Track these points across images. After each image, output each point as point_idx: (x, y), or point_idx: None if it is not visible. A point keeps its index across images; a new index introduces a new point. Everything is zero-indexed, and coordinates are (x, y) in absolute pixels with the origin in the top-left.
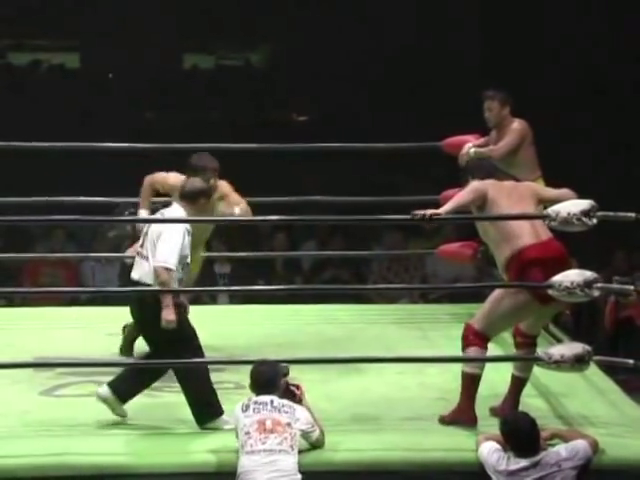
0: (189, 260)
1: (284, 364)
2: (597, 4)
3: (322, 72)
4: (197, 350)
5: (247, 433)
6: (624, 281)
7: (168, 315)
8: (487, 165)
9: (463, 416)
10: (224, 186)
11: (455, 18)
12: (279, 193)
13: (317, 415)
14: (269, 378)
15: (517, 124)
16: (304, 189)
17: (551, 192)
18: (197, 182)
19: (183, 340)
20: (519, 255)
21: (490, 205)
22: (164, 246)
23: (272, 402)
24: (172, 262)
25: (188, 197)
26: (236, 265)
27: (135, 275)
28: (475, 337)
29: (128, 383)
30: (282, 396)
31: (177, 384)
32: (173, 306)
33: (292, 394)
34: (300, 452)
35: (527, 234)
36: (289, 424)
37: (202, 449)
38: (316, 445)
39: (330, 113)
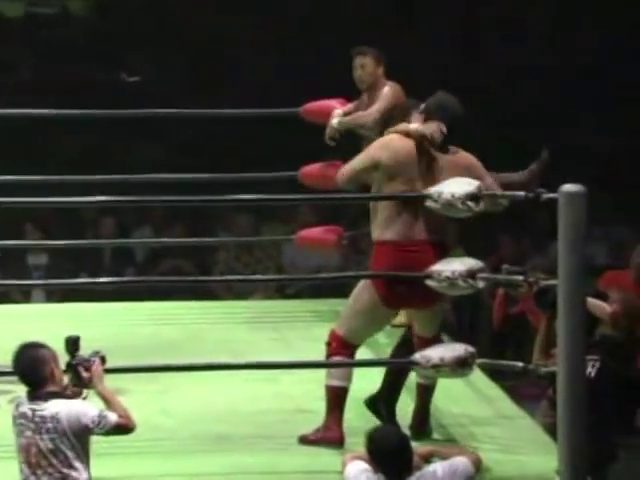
0: None
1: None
2: None
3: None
4: None
5: (22, 462)
6: (514, 271)
7: None
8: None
9: (328, 434)
10: None
11: None
12: (106, 169)
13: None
14: (32, 367)
15: (390, 88)
16: (136, 164)
17: (489, 178)
18: None
19: None
20: (374, 248)
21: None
22: None
23: (34, 413)
24: None
25: None
26: (54, 255)
27: None
28: (338, 345)
29: None
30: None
31: None
32: None
33: (78, 377)
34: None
35: (399, 225)
36: (54, 451)
37: None
38: (120, 432)
39: (170, 73)
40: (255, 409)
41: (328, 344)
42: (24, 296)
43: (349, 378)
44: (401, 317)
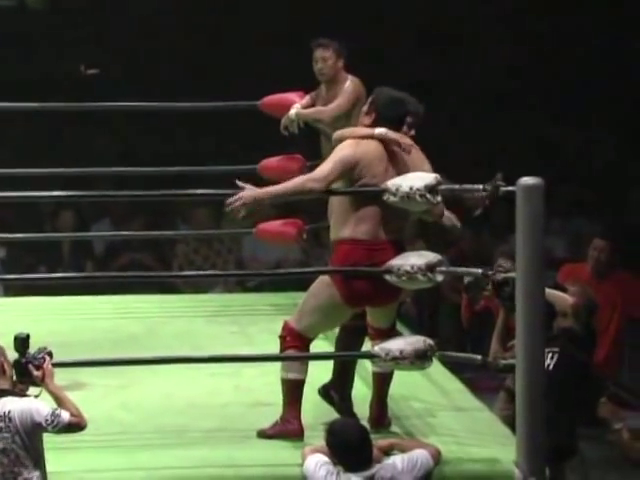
0: None
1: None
2: None
3: (122, 15)
4: None
5: None
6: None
7: None
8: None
9: (287, 427)
10: None
11: None
12: (65, 162)
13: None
14: None
15: (351, 83)
16: (95, 157)
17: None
18: None
19: None
20: (337, 246)
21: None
22: None
23: None
24: None
25: None
26: (12, 249)
27: None
28: (293, 338)
29: None
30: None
31: None
32: None
33: (29, 375)
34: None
35: (362, 224)
36: (5, 450)
37: None
38: (72, 430)
39: (130, 65)
40: (215, 402)
41: (282, 337)
42: None
43: (305, 370)
44: None
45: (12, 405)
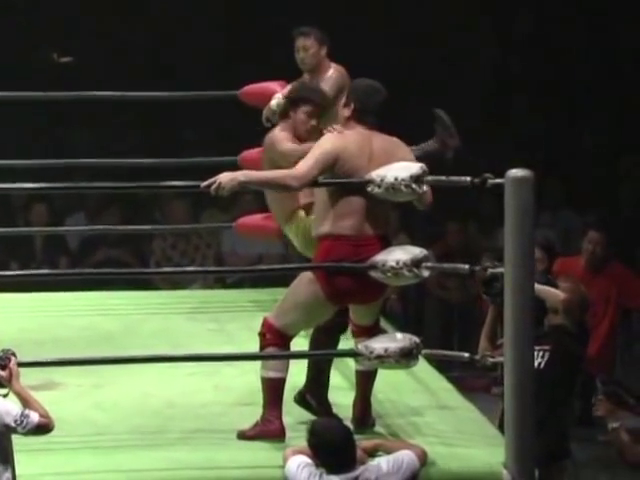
0: None
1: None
2: None
3: None
4: None
5: None
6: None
7: None
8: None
9: (268, 427)
10: None
11: None
12: (37, 154)
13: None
14: None
15: (334, 71)
16: (69, 149)
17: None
18: None
19: None
20: (319, 242)
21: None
22: None
23: None
24: None
25: None
26: None
27: None
28: (273, 336)
29: None
30: None
31: None
32: None
33: None
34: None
35: (346, 220)
36: None
37: None
38: (40, 432)
39: (105, 49)
40: (194, 402)
41: (261, 334)
42: None
43: (286, 369)
44: None
45: None
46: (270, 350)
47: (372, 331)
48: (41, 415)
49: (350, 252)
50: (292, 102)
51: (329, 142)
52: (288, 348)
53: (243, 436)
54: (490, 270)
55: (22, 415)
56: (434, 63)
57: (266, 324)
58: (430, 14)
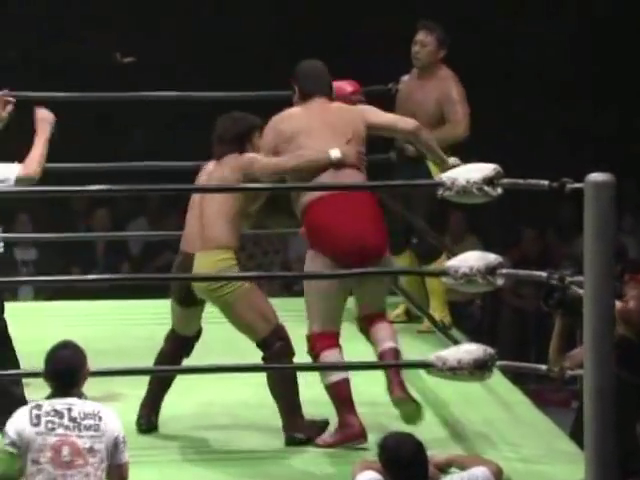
0: None
1: None
2: None
3: None
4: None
5: (36, 463)
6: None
7: None
8: None
9: (348, 431)
10: None
11: None
12: (97, 157)
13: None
14: (72, 366)
15: (456, 82)
16: (128, 152)
17: (387, 117)
18: None
19: None
20: (304, 214)
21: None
22: None
23: (70, 411)
24: None
25: None
26: (44, 249)
27: None
28: (319, 342)
29: None
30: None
31: None
32: None
33: None
34: None
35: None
36: (92, 450)
37: None
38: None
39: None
40: (258, 415)
41: (310, 350)
42: (11, 294)
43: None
44: (398, 310)
45: (99, 407)
46: (325, 354)
47: (380, 320)
48: None
49: (333, 201)
50: (246, 137)
51: (264, 134)
52: (339, 345)
53: (324, 444)
54: (568, 278)
55: (123, 440)
56: None
57: (310, 338)
58: None
